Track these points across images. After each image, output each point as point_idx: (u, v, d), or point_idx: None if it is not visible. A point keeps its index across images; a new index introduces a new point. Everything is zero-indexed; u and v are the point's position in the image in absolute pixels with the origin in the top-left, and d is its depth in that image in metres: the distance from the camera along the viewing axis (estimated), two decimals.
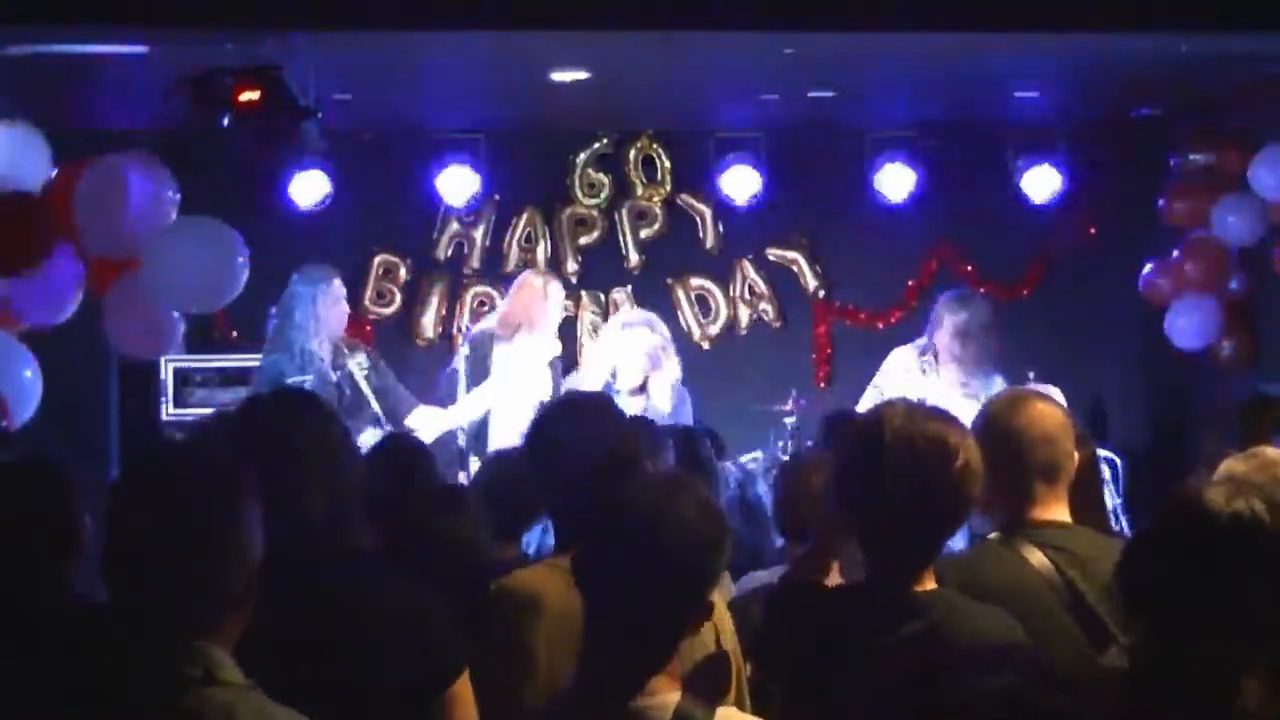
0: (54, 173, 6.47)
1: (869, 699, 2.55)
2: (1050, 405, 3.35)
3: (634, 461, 3.24)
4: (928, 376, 7.34)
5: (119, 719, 2.22)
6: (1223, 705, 2.42)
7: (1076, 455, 3.33)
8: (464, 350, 7.12)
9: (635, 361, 7.11)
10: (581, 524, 3.13)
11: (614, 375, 7.18)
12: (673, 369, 7.25)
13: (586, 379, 7.17)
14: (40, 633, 3.09)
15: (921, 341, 7.38)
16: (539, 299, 7.21)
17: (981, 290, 9.05)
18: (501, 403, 6.98)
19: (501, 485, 4.54)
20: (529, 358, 7.10)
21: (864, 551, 2.84)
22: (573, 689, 2.54)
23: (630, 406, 7.01)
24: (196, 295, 6.55)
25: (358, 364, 6.86)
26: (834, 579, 3.58)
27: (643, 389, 7.12)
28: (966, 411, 7.28)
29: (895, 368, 7.39)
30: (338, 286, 6.94)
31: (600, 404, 3.44)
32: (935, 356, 7.30)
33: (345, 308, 6.99)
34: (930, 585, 2.79)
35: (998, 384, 7.28)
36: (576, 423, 3.28)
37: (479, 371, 7.03)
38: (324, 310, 6.82)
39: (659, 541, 2.42)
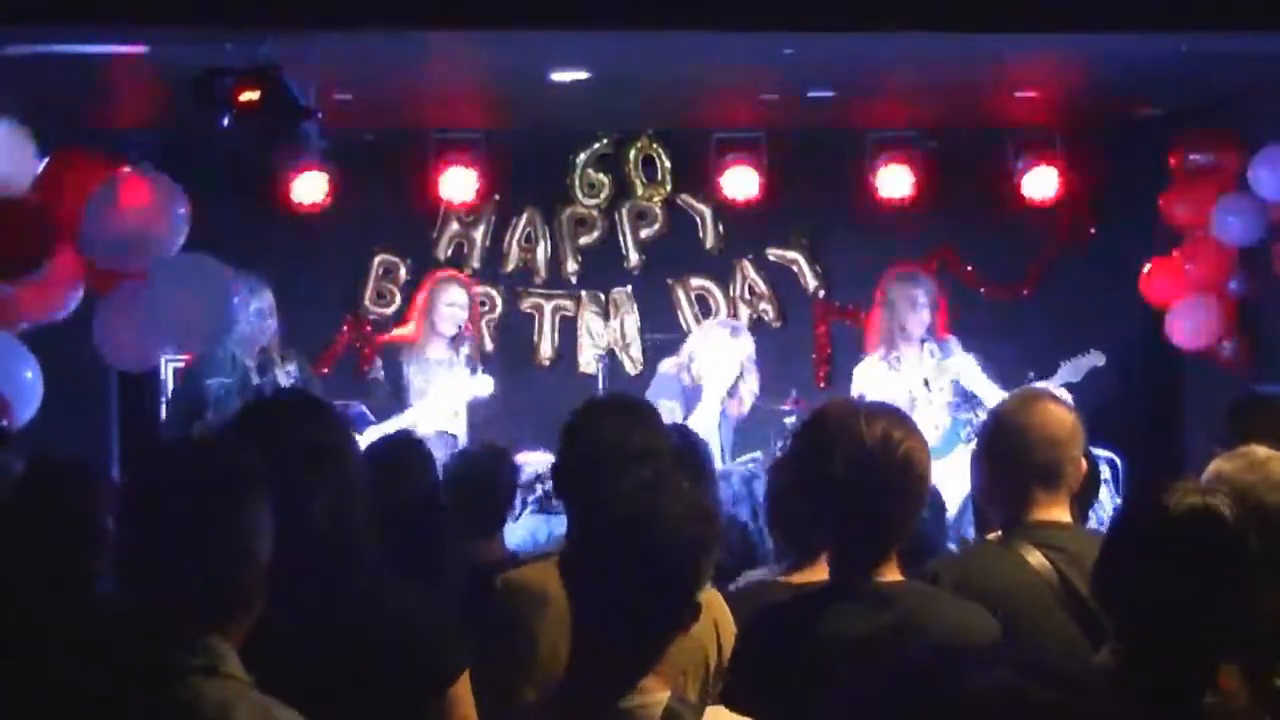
0: (42, 165, 6.47)
1: (844, 693, 2.55)
2: (1061, 408, 3.35)
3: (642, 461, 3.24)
4: (902, 370, 7.42)
5: (118, 705, 2.23)
6: (1198, 699, 2.44)
7: (1084, 462, 3.34)
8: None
9: (732, 365, 7.25)
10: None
11: (692, 373, 7.26)
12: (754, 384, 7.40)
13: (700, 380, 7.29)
14: (64, 630, 3.10)
15: (882, 353, 7.49)
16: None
17: (981, 290, 9.09)
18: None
19: (472, 483, 4.53)
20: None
21: (827, 546, 2.87)
22: (562, 688, 2.54)
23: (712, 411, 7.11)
24: (186, 336, 6.58)
25: (286, 373, 6.97)
26: (823, 571, 3.60)
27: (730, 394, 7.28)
28: (947, 387, 7.52)
29: (867, 378, 7.47)
30: (266, 300, 6.98)
31: (637, 405, 3.43)
32: (895, 344, 7.42)
33: (270, 322, 7.00)
34: (895, 576, 2.80)
35: (957, 347, 7.45)
36: (610, 420, 3.28)
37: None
38: (245, 316, 6.86)
39: (645, 541, 2.42)
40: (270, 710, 2.26)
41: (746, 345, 7.43)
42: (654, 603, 2.43)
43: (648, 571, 2.41)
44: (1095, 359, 7.70)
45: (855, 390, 7.48)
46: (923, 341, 7.47)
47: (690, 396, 7.24)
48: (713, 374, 7.22)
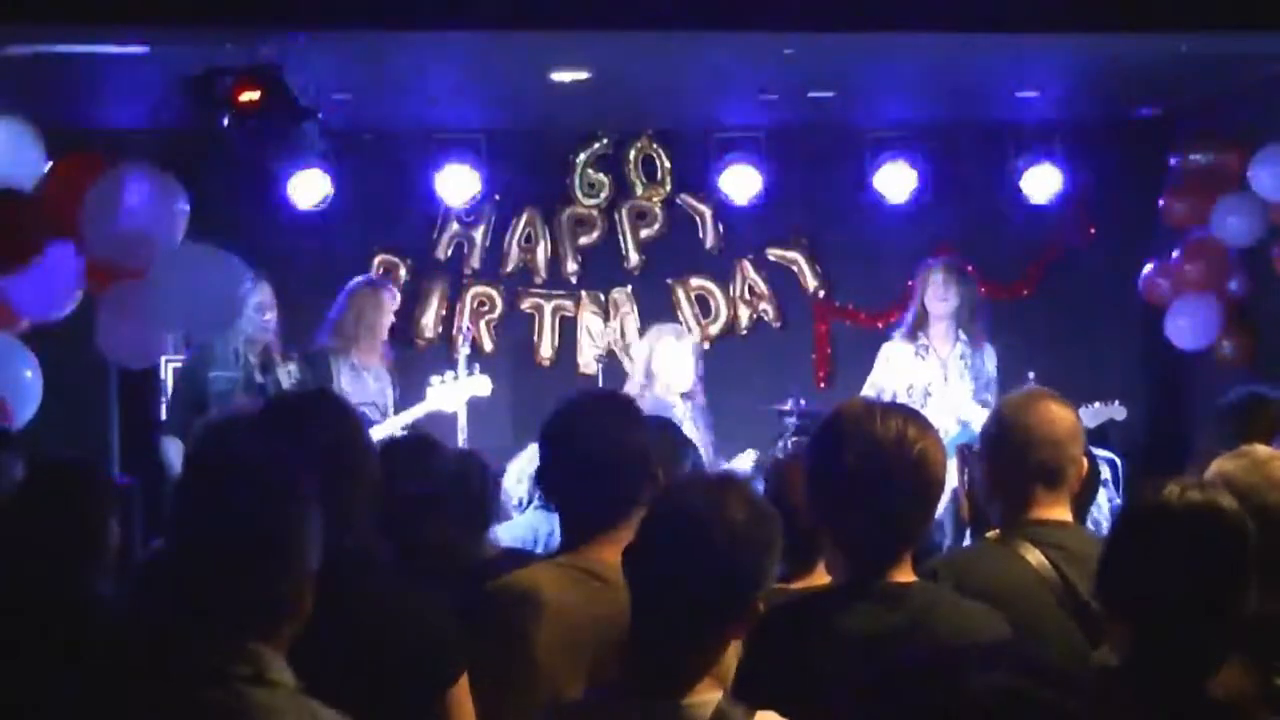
0: (48, 166, 6.48)
1: (855, 693, 2.55)
2: (1062, 407, 3.36)
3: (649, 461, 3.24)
4: (928, 360, 7.43)
5: (163, 712, 2.22)
6: (1200, 696, 2.44)
7: (1085, 462, 3.34)
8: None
9: (688, 365, 7.26)
10: (592, 522, 3.15)
11: (650, 377, 7.29)
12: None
13: (634, 386, 7.32)
14: (63, 631, 3.10)
15: (907, 332, 7.50)
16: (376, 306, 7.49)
17: (981, 290, 9.10)
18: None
19: (458, 485, 4.49)
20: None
21: (840, 547, 2.86)
22: (617, 685, 2.52)
23: (680, 411, 7.21)
24: (199, 322, 6.59)
25: (287, 372, 6.98)
26: (821, 578, 3.59)
27: (688, 394, 7.32)
28: (968, 388, 7.52)
29: (890, 361, 7.47)
30: (265, 294, 7.00)
31: (622, 403, 3.42)
32: (927, 334, 7.44)
33: (270, 317, 7.03)
34: (909, 577, 2.80)
35: (990, 353, 7.47)
36: (597, 420, 3.25)
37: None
38: (245, 313, 6.86)
39: (706, 543, 2.41)
40: (316, 715, 2.26)
41: (690, 343, 7.50)
42: (714, 604, 2.42)
43: (708, 572, 2.40)
44: (1116, 411, 7.70)
45: (877, 365, 7.49)
46: (957, 338, 7.48)
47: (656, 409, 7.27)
48: (674, 380, 7.24)
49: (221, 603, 2.25)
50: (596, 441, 3.17)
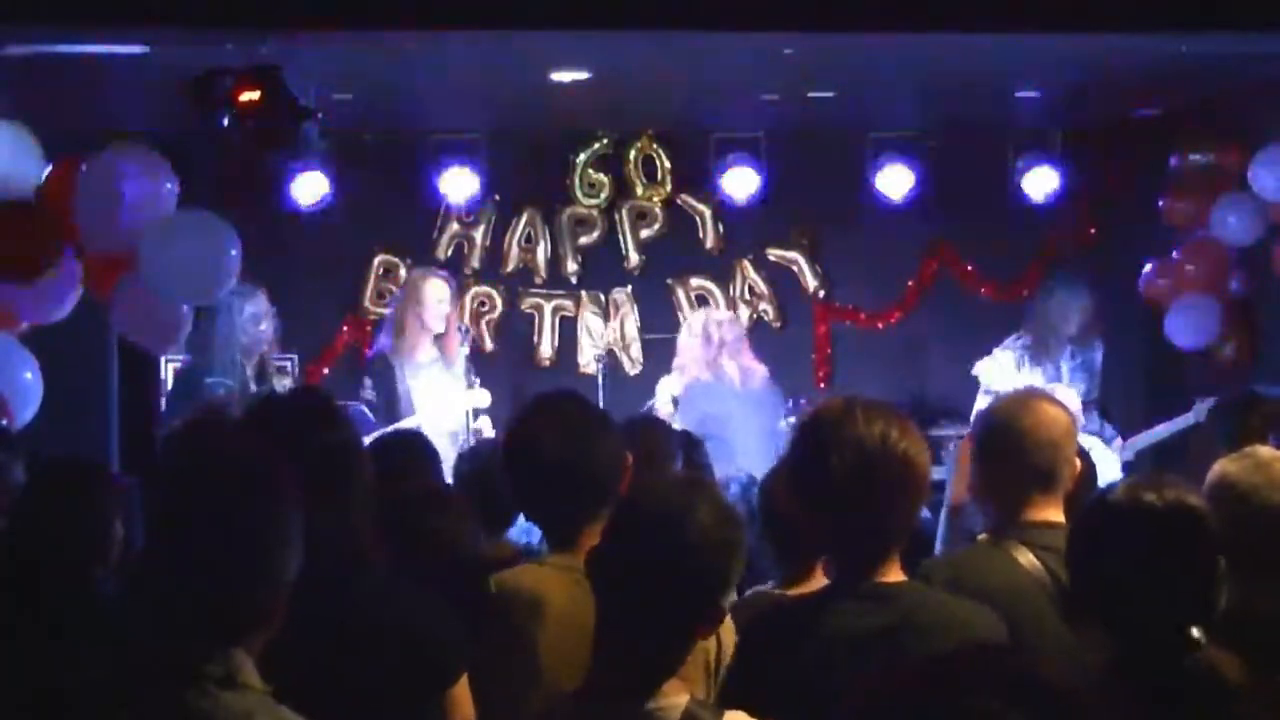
0: (48, 169, 6.48)
1: (846, 694, 2.55)
2: (1057, 409, 3.36)
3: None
4: (1032, 373, 7.43)
5: (136, 713, 2.22)
6: (1189, 692, 2.45)
7: (1079, 464, 3.35)
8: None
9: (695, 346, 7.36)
10: (575, 523, 3.14)
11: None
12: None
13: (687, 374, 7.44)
14: (66, 630, 3.11)
15: (1025, 345, 7.52)
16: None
17: (981, 290, 9.10)
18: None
19: (480, 479, 4.50)
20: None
21: (826, 549, 2.86)
22: (583, 689, 2.53)
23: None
24: (192, 288, 6.56)
25: (281, 384, 7.01)
26: (819, 584, 3.59)
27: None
28: (1080, 389, 7.56)
29: (998, 368, 7.48)
30: (260, 304, 7.02)
31: (576, 404, 3.41)
32: (1039, 347, 7.45)
33: (265, 327, 7.04)
34: (898, 577, 2.80)
35: (1098, 344, 7.53)
36: (556, 429, 3.22)
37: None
38: (240, 322, 6.90)
39: (674, 544, 2.41)
40: (285, 719, 2.26)
41: (700, 323, 7.55)
42: (679, 606, 2.42)
43: (673, 574, 2.40)
44: (1124, 455, 7.74)
45: (989, 376, 7.51)
46: (1067, 347, 7.55)
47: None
48: (688, 360, 7.41)
49: (194, 605, 2.25)
50: (560, 451, 3.15)
